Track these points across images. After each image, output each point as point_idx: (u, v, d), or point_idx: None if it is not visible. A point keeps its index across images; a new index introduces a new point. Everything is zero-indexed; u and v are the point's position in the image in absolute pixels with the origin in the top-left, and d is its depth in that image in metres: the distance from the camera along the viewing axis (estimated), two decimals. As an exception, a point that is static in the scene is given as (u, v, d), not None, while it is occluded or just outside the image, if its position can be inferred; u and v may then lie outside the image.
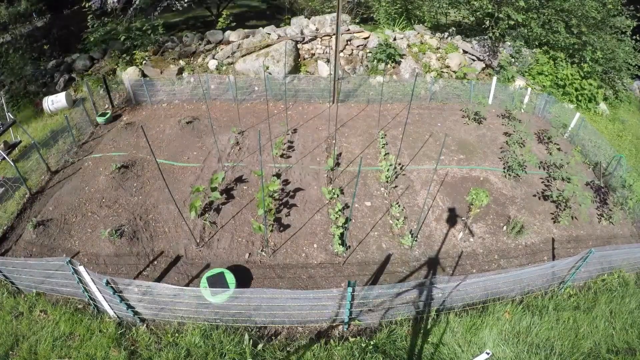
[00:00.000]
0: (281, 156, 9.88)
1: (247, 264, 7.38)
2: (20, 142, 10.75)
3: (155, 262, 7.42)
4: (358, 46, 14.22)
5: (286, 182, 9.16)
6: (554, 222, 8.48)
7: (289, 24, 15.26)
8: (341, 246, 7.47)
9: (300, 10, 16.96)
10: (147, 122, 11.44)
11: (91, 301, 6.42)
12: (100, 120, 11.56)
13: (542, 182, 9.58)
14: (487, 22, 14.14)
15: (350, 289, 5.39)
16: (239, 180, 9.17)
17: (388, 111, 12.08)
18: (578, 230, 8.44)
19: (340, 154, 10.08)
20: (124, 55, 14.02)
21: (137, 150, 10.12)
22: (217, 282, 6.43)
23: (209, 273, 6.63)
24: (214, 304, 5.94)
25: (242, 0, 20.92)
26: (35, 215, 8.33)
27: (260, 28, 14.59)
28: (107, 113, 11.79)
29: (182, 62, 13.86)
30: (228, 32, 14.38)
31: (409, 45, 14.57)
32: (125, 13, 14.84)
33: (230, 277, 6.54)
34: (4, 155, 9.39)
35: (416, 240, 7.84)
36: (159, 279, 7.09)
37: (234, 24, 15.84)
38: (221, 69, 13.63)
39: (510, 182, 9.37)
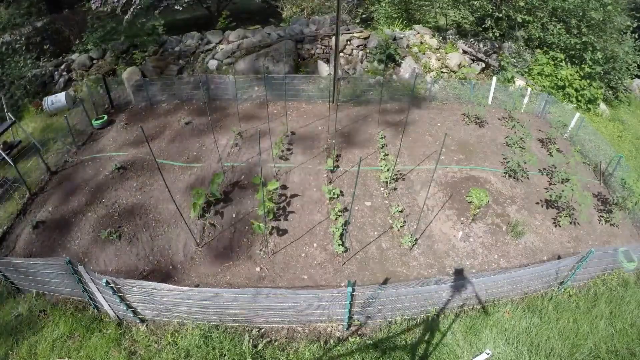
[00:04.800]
0: (280, 157, 9.88)
1: (247, 263, 7.39)
2: (20, 142, 10.75)
3: (156, 262, 7.42)
4: (358, 46, 14.22)
5: (286, 182, 9.16)
6: (554, 222, 8.49)
7: (288, 24, 15.26)
8: (341, 246, 7.48)
9: (301, 10, 16.95)
10: (146, 122, 11.44)
11: (91, 301, 6.43)
12: (96, 124, 11.19)
13: (543, 182, 9.58)
14: (488, 22, 14.14)
15: (349, 289, 5.39)
16: (239, 180, 9.17)
17: (388, 111, 12.07)
18: (578, 230, 8.45)
19: (339, 154, 10.07)
20: (124, 55, 14.01)
21: (137, 151, 10.11)
22: None
23: None
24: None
25: (242, 0, 20.92)
26: (35, 216, 8.33)
27: (260, 28, 14.59)
28: (103, 117, 11.45)
29: (182, 62, 13.85)
30: (228, 32, 14.37)
31: (408, 46, 14.57)
32: (125, 13, 14.82)
33: None
34: (4, 156, 9.39)
35: (416, 241, 7.84)
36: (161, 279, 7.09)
37: (234, 23, 15.83)
38: (221, 69, 13.63)
39: (510, 182, 9.37)
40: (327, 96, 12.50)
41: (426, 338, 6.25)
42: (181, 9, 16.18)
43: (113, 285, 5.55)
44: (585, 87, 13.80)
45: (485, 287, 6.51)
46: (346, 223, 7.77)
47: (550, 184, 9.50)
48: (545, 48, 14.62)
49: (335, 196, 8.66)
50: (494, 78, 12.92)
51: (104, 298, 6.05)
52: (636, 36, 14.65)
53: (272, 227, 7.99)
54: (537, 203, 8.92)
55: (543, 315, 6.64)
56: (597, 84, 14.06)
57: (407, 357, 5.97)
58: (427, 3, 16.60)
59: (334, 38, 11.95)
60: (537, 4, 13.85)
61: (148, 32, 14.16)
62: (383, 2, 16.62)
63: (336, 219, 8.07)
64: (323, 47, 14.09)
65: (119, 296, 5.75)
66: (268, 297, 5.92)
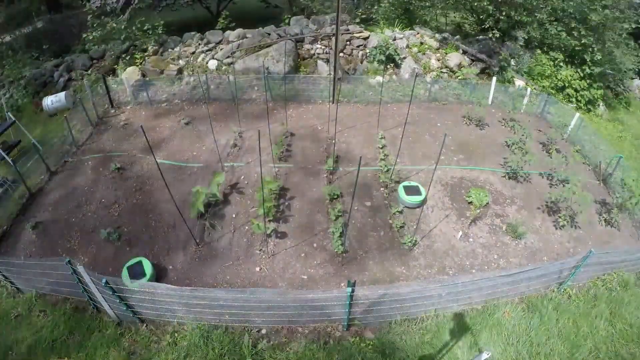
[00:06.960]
0: (280, 157, 9.88)
1: (247, 263, 7.39)
2: (20, 142, 10.75)
3: (155, 262, 7.41)
4: (358, 46, 14.21)
5: (285, 182, 9.16)
6: (554, 222, 8.49)
7: (288, 24, 15.25)
8: (341, 246, 7.47)
9: (300, 10, 16.96)
10: (146, 122, 11.43)
11: (91, 301, 6.42)
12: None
13: (543, 183, 9.57)
14: (488, 24, 14.14)
15: (349, 289, 5.39)
16: (239, 180, 9.17)
17: (387, 111, 12.06)
18: (578, 230, 8.45)
19: (339, 154, 10.07)
20: (124, 55, 14.00)
21: (137, 151, 10.11)
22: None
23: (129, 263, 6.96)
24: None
25: (242, 1, 20.93)
26: (35, 216, 8.33)
27: (260, 28, 14.58)
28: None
29: (182, 62, 13.85)
30: (228, 32, 14.37)
31: (408, 46, 14.57)
32: (125, 13, 14.84)
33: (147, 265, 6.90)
34: (4, 155, 9.39)
35: (416, 241, 7.84)
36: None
37: (234, 24, 15.81)
38: (221, 69, 13.63)
39: (509, 183, 9.38)
40: (327, 96, 12.50)
41: (426, 338, 6.25)
42: (181, 9, 16.19)
43: (113, 286, 5.55)
44: (585, 88, 13.80)
45: (485, 288, 6.51)
46: (346, 223, 7.77)
47: (550, 184, 9.50)
48: (545, 49, 14.62)
49: (335, 196, 8.65)
50: (494, 78, 12.91)
51: (103, 298, 6.04)
52: (635, 38, 14.66)
53: (272, 228, 7.99)
54: (538, 206, 8.91)
55: (543, 316, 6.64)
56: (597, 85, 14.06)
57: (406, 358, 5.97)
58: (427, 4, 16.59)
59: (334, 38, 11.95)
60: (537, 4, 13.85)
61: (148, 32, 14.15)
62: (383, 2, 16.62)
63: (336, 219, 8.07)
64: (323, 47, 14.09)
65: (119, 296, 5.74)
66: (268, 297, 5.92)
